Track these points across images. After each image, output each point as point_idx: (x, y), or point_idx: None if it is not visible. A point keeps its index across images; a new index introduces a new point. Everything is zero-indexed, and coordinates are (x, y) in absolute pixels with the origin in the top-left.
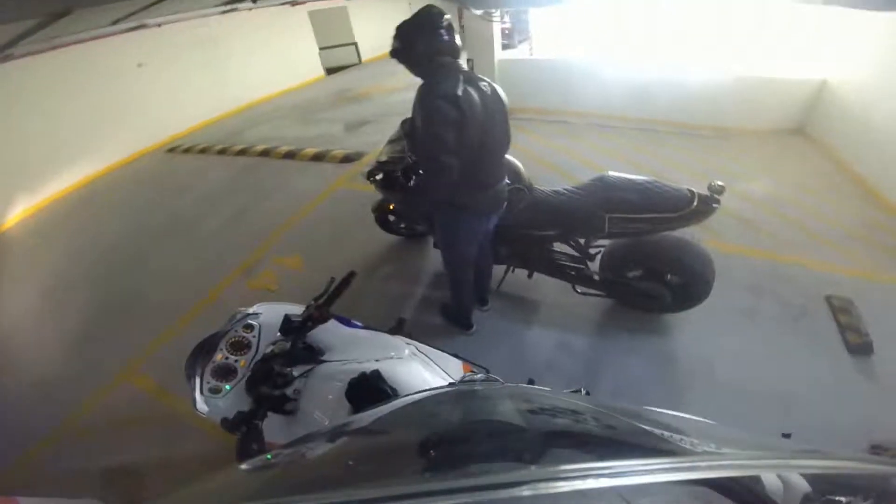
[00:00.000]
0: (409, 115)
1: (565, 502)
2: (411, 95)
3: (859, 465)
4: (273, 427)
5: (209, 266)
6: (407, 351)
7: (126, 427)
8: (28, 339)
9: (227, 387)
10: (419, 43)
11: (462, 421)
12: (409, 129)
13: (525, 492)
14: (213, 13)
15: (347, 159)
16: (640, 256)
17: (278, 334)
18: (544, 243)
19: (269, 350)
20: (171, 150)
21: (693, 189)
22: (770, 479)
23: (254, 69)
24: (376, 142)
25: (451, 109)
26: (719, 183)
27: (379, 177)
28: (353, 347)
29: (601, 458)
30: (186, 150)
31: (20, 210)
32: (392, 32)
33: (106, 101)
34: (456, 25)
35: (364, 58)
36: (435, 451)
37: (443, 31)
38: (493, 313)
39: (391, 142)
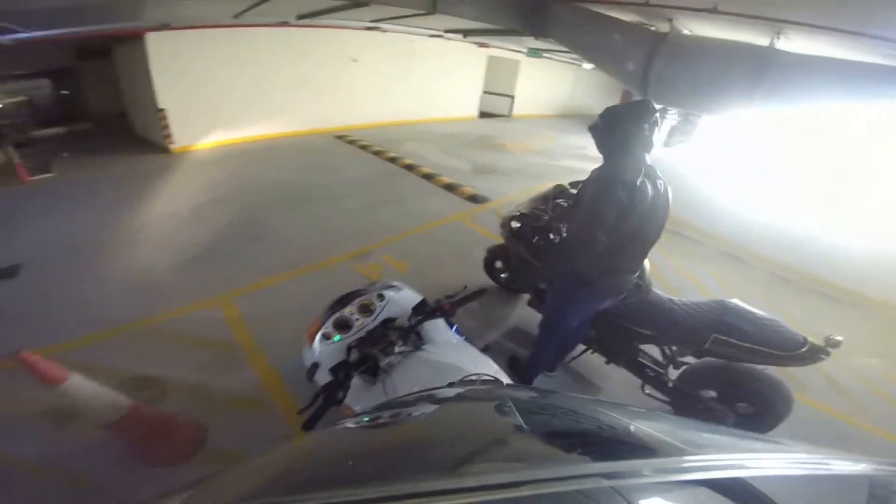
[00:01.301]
0: (557, 180)
1: (565, 502)
2: (544, 161)
3: (858, 466)
4: (355, 392)
5: (330, 239)
6: (493, 371)
7: (186, 344)
8: (160, 236)
9: (337, 337)
10: (623, 129)
11: (462, 421)
12: (564, 195)
13: (525, 492)
14: (423, 34)
15: (473, 199)
16: (724, 379)
17: (409, 311)
18: (637, 340)
19: (392, 321)
20: (339, 137)
21: (808, 337)
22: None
23: (428, 91)
24: (501, 192)
25: (624, 196)
26: (837, 337)
27: (516, 225)
28: (450, 350)
29: (601, 458)
30: (350, 141)
31: (213, 140)
32: (546, 96)
33: (310, 79)
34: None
35: (514, 112)
36: (436, 451)
37: (647, 126)
38: (555, 382)
39: (535, 199)
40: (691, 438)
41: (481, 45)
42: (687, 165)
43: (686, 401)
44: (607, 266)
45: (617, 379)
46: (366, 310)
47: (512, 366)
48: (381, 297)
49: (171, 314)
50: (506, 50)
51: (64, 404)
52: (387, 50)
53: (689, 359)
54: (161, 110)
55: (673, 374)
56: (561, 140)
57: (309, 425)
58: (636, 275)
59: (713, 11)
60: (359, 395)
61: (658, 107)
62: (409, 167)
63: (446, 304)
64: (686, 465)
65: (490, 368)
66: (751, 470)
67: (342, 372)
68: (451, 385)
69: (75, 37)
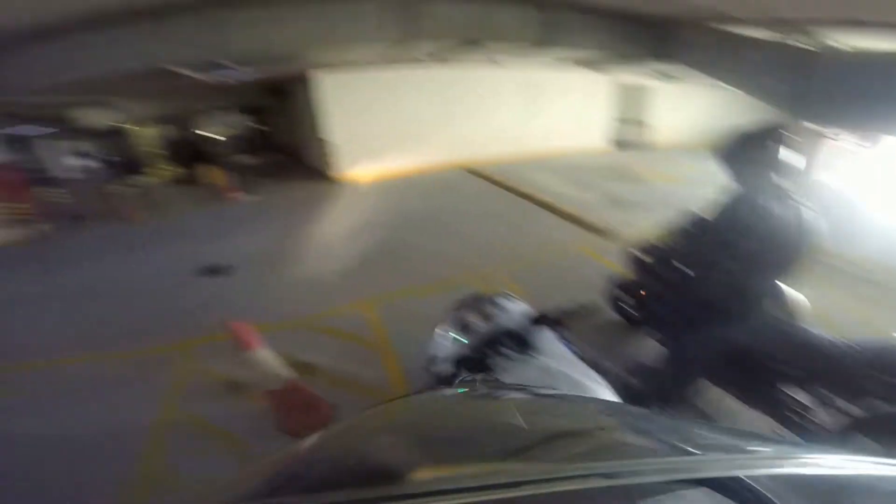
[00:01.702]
0: (690, 210)
1: (565, 502)
2: (685, 191)
3: (859, 466)
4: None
5: (462, 261)
6: (605, 389)
7: (337, 338)
8: (327, 249)
9: (456, 336)
10: (758, 155)
11: (461, 420)
12: (696, 226)
13: (525, 492)
14: (543, 64)
15: (602, 231)
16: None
17: (525, 320)
18: (779, 380)
19: (506, 327)
20: (469, 170)
21: None
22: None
23: (556, 122)
24: (633, 224)
25: (754, 220)
26: None
27: (644, 256)
28: (562, 361)
29: (601, 458)
30: (479, 174)
31: (368, 171)
32: (687, 122)
33: (446, 115)
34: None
35: (651, 140)
36: (435, 451)
37: (777, 149)
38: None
39: (666, 229)
40: (691, 438)
41: (609, 71)
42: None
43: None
44: (736, 289)
45: (748, 422)
46: (484, 315)
47: (627, 396)
48: (498, 305)
49: (328, 313)
50: (637, 75)
51: (237, 377)
52: (515, 82)
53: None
54: (328, 143)
55: (825, 420)
56: (703, 168)
57: None
58: (770, 302)
59: (859, 23)
60: None
61: (803, 127)
62: (538, 200)
63: (561, 318)
64: (686, 465)
65: (602, 387)
66: (751, 470)
67: (456, 366)
68: (450, 386)
69: (268, 79)
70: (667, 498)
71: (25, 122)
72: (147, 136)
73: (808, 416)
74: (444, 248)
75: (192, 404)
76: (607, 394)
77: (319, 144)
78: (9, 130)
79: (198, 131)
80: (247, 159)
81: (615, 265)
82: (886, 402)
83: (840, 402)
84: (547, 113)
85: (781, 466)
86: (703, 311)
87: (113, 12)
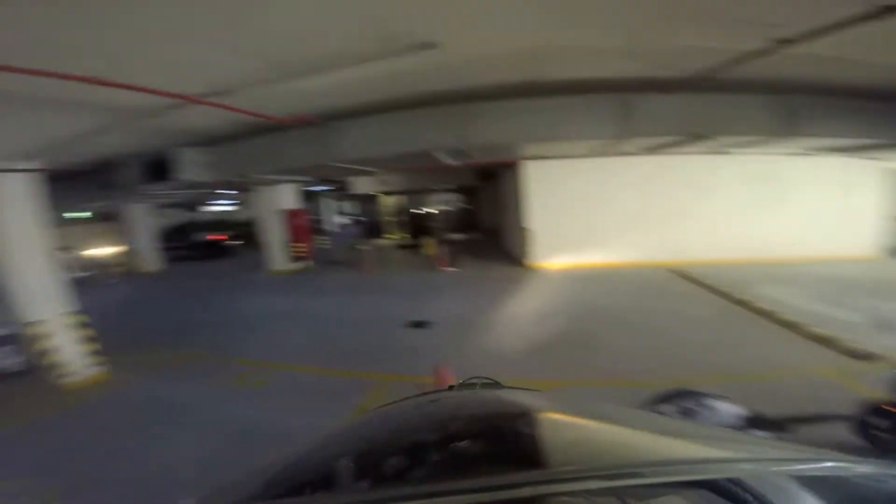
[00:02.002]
0: None
1: (565, 502)
2: None
3: (856, 466)
4: None
5: (653, 364)
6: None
7: None
8: (512, 327)
9: None
10: None
11: (463, 422)
12: None
13: (525, 492)
14: (783, 153)
15: (858, 354)
16: None
17: (736, 421)
18: None
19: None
20: (676, 272)
21: None
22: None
23: (800, 222)
24: None
25: None
26: None
27: None
28: None
29: (601, 458)
30: (689, 277)
31: (559, 261)
32: None
33: (650, 208)
34: None
35: None
36: (433, 451)
37: None
38: None
39: None
40: (691, 439)
41: (882, 158)
42: None
43: None
44: None
45: None
46: (686, 412)
47: None
48: (705, 404)
49: (503, 382)
50: None
51: None
52: (739, 174)
53: None
54: (525, 230)
55: None
56: None
57: None
58: None
59: None
60: None
61: None
62: (763, 312)
63: (785, 420)
64: (686, 465)
65: None
66: (750, 470)
67: None
68: (450, 388)
69: (481, 163)
70: (667, 498)
71: (321, 182)
72: (389, 205)
73: None
74: (632, 347)
75: None
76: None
77: (516, 229)
78: (308, 187)
79: (423, 206)
80: (455, 235)
81: (870, 392)
82: None
83: None
84: (787, 210)
85: (781, 466)
86: None
87: (398, 99)
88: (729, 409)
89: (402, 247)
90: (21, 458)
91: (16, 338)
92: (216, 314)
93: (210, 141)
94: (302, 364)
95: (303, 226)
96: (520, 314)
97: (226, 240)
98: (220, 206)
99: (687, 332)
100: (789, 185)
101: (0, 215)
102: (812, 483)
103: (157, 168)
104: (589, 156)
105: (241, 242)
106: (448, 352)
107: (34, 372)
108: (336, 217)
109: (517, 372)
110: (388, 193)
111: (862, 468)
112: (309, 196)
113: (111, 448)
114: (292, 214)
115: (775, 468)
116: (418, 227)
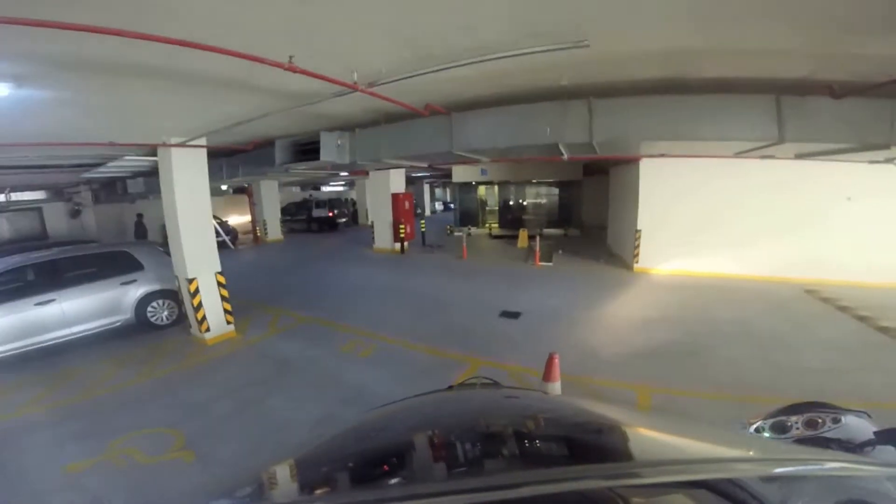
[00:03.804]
0: None
1: (565, 502)
2: None
3: (857, 467)
4: None
5: (768, 381)
6: None
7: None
8: (612, 329)
9: (768, 434)
10: None
11: (463, 423)
12: None
13: (525, 492)
14: None
15: None
16: None
17: (867, 434)
18: None
19: (839, 436)
20: (810, 291)
21: None
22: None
23: None
24: None
25: None
26: None
27: None
28: None
29: (601, 459)
30: (824, 298)
31: (670, 267)
32: None
33: (783, 217)
34: None
35: None
36: (434, 452)
37: None
38: None
39: None
40: (690, 441)
41: None
42: None
43: None
44: None
45: None
46: (812, 424)
47: None
48: (837, 420)
49: (599, 381)
50: None
51: None
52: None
53: None
54: (637, 231)
55: None
56: None
57: None
58: None
59: None
60: None
61: None
62: None
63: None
64: (685, 465)
65: None
66: (749, 471)
67: None
68: (450, 388)
69: (591, 157)
70: (667, 498)
71: (430, 168)
72: (484, 196)
73: None
74: (745, 362)
75: None
76: None
77: (624, 229)
78: (414, 172)
79: (522, 199)
80: (552, 230)
81: None
82: None
83: None
84: None
85: (781, 467)
86: None
87: (522, 92)
88: (861, 424)
89: (497, 237)
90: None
91: (174, 293)
92: (327, 283)
93: (348, 125)
94: (398, 337)
95: (407, 209)
96: (620, 316)
97: (337, 217)
98: (334, 187)
99: (811, 354)
100: None
101: (177, 184)
102: (812, 483)
103: (306, 149)
104: (722, 156)
105: (347, 221)
106: (540, 342)
107: (180, 323)
108: (435, 202)
109: (612, 373)
110: (487, 183)
111: (862, 469)
112: (411, 181)
113: (240, 400)
114: (399, 198)
115: (775, 469)
116: (514, 218)
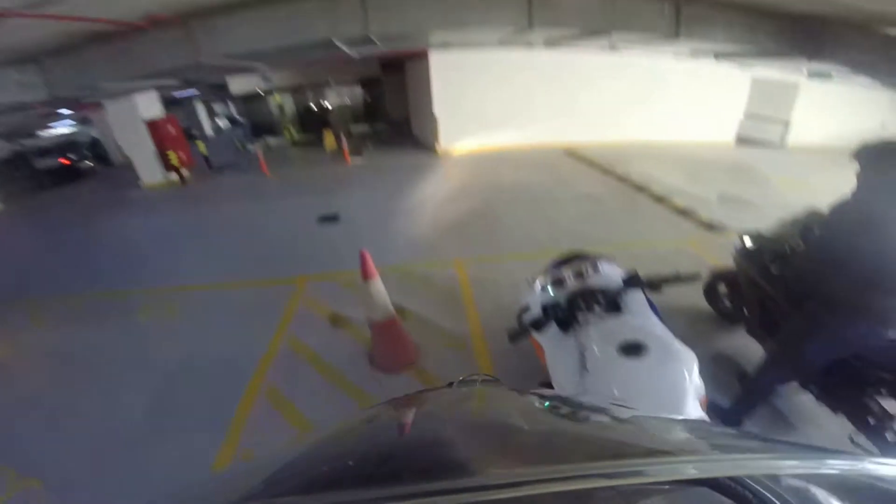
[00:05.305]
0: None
1: (565, 502)
2: (812, 199)
3: (860, 465)
4: (550, 335)
5: (550, 236)
6: (678, 352)
7: (428, 289)
8: (424, 211)
9: (550, 290)
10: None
11: (462, 421)
12: (810, 225)
13: (525, 492)
14: (667, 53)
15: (709, 225)
16: None
17: (618, 280)
18: (868, 384)
19: (598, 286)
20: (569, 152)
21: None
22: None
23: (672, 112)
24: (747, 224)
25: (879, 233)
26: None
27: (750, 245)
28: (646, 322)
29: (601, 458)
30: (579, 157)
31: (466, 145)
32: (841, 124)
33: (548, 97)
34: None
35: (790, 141)
36: (434, 451)
37: None
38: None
39: (782, 224)
40: (691, 438)
41: (749, 66)
42: None
43: None
44: (876, 290)
45: (819, 421)
46: (579, 274)
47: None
48: (595, 267)
49: (422, 266)
50: (780, 72)
51: (340, 312)
52: (628, 70)
53: None
54: (433, 117)
55: None
56: (837, 175)
57: (513, 339)
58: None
59: None
60: (553, 339)
61: None
62: (639, 187)
63: (655, 280)
64: (686, 465)
65: (685, 354)
66: (751, 470)
67: (545, 314)
68: (450, 385)
69: (384, 54)
70: (667, 498)
71: (188, 85)
72: (281, 103)
73: (888, 425)
74: (533, 222)
75: (302, 331)
76: (687, 356)
77: (424, 117)
78: (174, 92)
79: (322, 101)
80: (359, 127)
81: (716, 260)
82: None
83: None
84: (666, 102)
85: (782, 466)
86: (804, 311)
87: None
88: (612, 270)
89: (300, 143)
90: None
91: None
92: (95, 246)
93: (37, 55)
94: (210, 281)
95: (174, 134)
96: (430, 197)
97: (76, 163)
98: (61, 128)
99: (577, 206)
100: (667, 81)
101: None
102: (817, 482)
103: None
104: (495, 46)
105: (94, 165)
106: (363, 241)
107: None
108: (216, 120)
109: (432, 254)
110: (276, 91)
111: (871, 467)
112: (177, 102)
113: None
114: (159, 123)
115: (778, 466)
116: (316, 122)
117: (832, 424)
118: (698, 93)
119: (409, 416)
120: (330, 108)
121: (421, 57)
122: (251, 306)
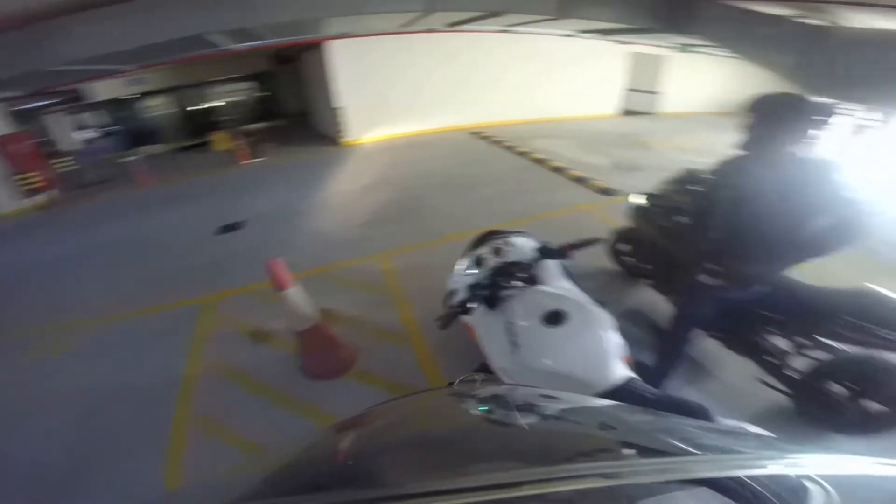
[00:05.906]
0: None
1: (565, 502)
2: (695, 158)
3: (859, 466)
4: (478, 315)
5: (468, 218)
6: (597, 315)
7: (354, 287)
8: (337, 207)
9: (473, 271)
10: (770, 120)
11: (461, 420)
12: (697, 180)
13: (525, 492)
14: (557, 34)
15: (606, 191)
16: (858, 375)
17: (532, 252)
18: (761, 325)
19: (516, 259)
20: (475, 134)
21: None
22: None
23: (565, 89)
24: (638, 187)
25: (769, 188)
26: None
27: (643, 203)
28: (562, 289)
29: (601, 458)
30: (485, 137)
31: (373, 135)
32: (700, 92)
33: (451, 81)
34: None
35: (662, 109)
36: (434, 450)
37: (795, 119)
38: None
39: (666, 182)
40: (691, 438)
41: (625, 41)
42: None
43: (810, 395)
44: (730, 244)
45: (731, 366)
46: (497, 251)
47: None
48: (509, 242)
49: (344, 264)
50: (651, 46)
51: (260, 326)
52: (522, 51)
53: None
54: (337, 109)
55: (799, 364)
56: (716, 137)
57: (443, 326)
58: (781, 270)
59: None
60: (481, 319)
61: (821, 101)
62: (541, 161)
63: (565, 247)
64: (686, 464)
65: (602, 316)
66: (751, 470)
67: (472, 293)
68: (450, 384)
69: (274, 46)
70: (667, 498)
71: (36, 96)
72: (157, 105)
73: (784, 361)
74: (449, 206)
75: (221, 352)
76: (606, 318)
77: (327, 109)
78: (20, 105)
79: (207, 101)
80: (254, 125)
81: (617, 222)
82: (855, 345)
83: (811, 349)
84: (559, 81)
85: (781, 466)
86: (697, 262)
87: None
88: (526, 243)
89: (185, 148)
90: None
91: None
92: None
93: None
94: (100, 315)
95: (25, 152)
96: (343, 192)
97: None
98: None
99: (488, 185)
100: (558, 61)
101: None
102: (816, 482)
103: None
104: (396, 32)
105: None
106: (273, 248)
107: None
108: (78, 132)
109: (354, 251)
110: (150, 93)
111: (870, 467)
112: (28, 114)
113: None
114: (8, 140)
115: (777, 466)
116: (203, 123)
117: (743, 368)
118: (589, 70)
119: (408, 416)
120: (219, 106)
121: (318, 47)
122: (158, 332)
